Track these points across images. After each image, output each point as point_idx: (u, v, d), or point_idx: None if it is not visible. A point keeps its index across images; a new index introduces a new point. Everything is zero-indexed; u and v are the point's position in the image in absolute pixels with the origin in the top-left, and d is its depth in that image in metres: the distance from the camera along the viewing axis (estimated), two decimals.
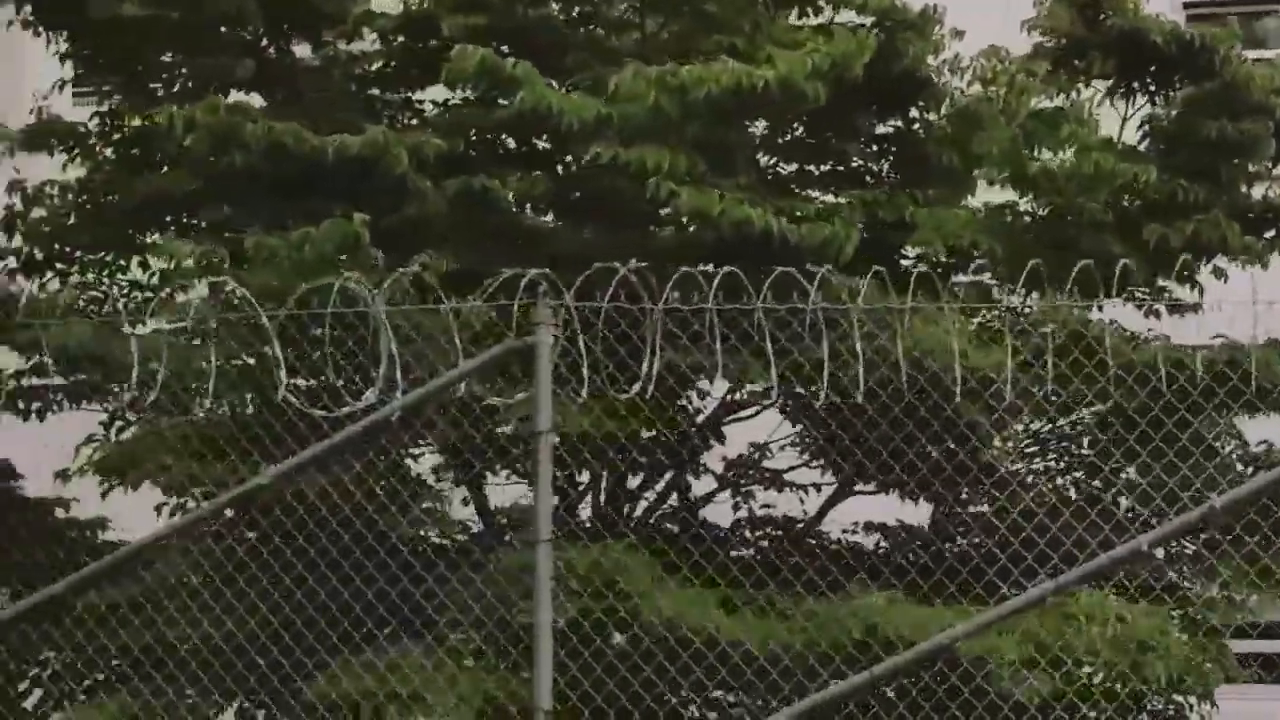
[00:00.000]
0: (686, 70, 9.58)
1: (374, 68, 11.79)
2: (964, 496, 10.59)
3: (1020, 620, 9.02)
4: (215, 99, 9.99)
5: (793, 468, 12.22)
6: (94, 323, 10.09)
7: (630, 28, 10.91)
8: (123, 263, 12.20)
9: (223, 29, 11.21)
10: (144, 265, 12.28)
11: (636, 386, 7.98)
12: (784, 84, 9.61)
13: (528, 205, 10.72)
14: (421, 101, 11.70)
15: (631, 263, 8.25)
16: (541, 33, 10.69)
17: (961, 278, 11.37)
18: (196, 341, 9.59)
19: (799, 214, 9.81)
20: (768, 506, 12.45)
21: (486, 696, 9.26)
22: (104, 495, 10.73)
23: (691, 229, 10.07)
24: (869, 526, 12.07)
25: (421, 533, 9.91)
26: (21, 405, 11.42)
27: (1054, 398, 9.65)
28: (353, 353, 8.87)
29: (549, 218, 10.88)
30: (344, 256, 8.98)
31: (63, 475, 11.17)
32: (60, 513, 11.80)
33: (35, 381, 11.29)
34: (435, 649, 9.39)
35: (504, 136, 10.97)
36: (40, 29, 11.46)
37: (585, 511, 11.18)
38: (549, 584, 8.02)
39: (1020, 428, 10.66)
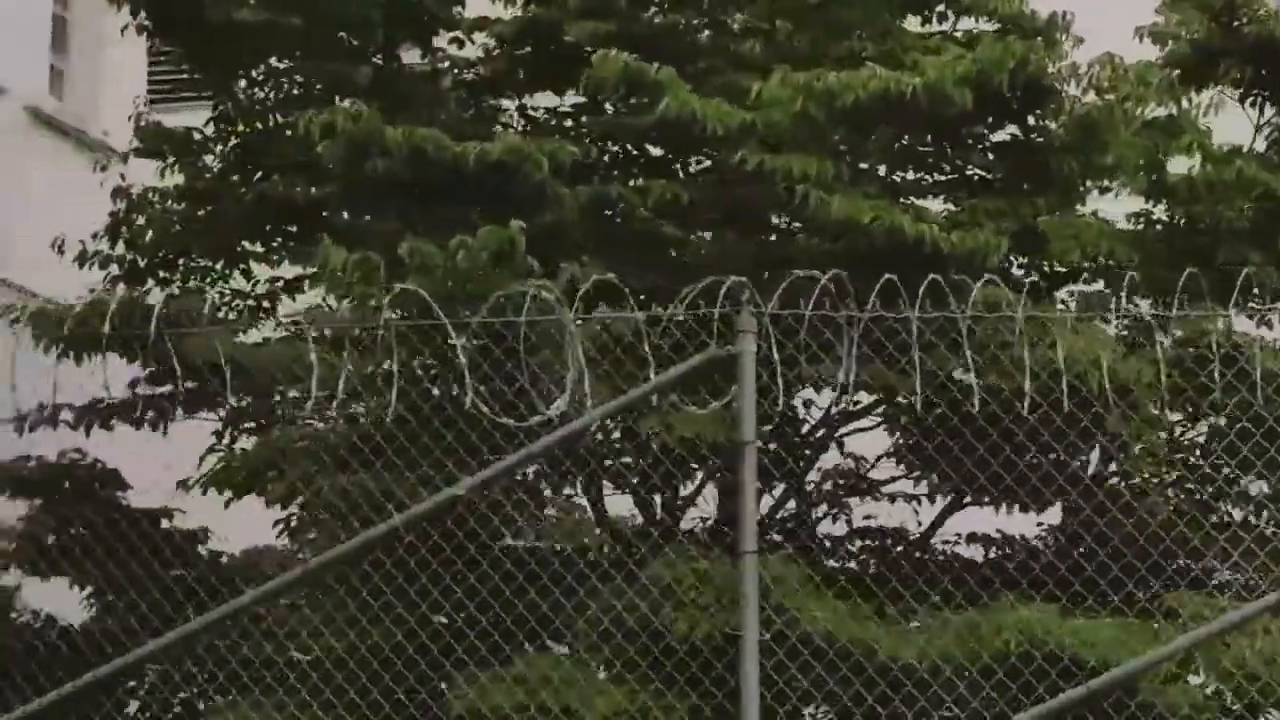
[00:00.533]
0: (834, 76, 9.50)
1: (485, 74, 11.69)
2: (1100, 506, 10.47)
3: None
4: (356, 105, 9.86)
5: (894, 479, 12.13)
6: (223, 330, 9.96)
7: (758, 34, 10.81)
8: (225, 270, 12.13)
9: (341, 35, 11.11)
10: (246, 274, 12.20)
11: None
12: (931, 90, 9.53)
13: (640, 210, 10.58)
14: (537, 109, 11.61)
15: (832, 271, 8.16)
16: (670, 39, 10.60)
17: (1073, 287, 11.34)
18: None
19: (950, 222, 9.70)
20: (869, 518, 12.37)
21: (639, 710, 9.16)
22: (227, 505, 10.62)
23: (821, 236, 9.98)
24: (973, 538, 12.00)
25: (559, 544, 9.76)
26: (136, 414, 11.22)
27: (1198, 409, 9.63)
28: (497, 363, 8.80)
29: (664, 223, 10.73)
30: (499, 264, 8.84)
31: (183, 485, 11.02)
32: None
33: (151, 391, 11.09)
34: (587, 662, 9.28)
35: (626, 144, 10.87)
36: (152, 34, 11.35)
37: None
38: (755, 596, 7.92)
39: (1162, 436, 10.56)
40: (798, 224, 10.28)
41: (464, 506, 8.97)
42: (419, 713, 9.48)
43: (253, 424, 10.76)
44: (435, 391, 8.68)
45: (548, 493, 10.44)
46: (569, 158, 9.91)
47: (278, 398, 9.60)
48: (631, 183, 10.47)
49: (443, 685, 9.39)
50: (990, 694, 8.82)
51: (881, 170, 10.90)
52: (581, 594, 9.31)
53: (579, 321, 8.10)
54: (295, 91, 11.73)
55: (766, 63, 10.51)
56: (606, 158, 10.76)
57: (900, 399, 10.03)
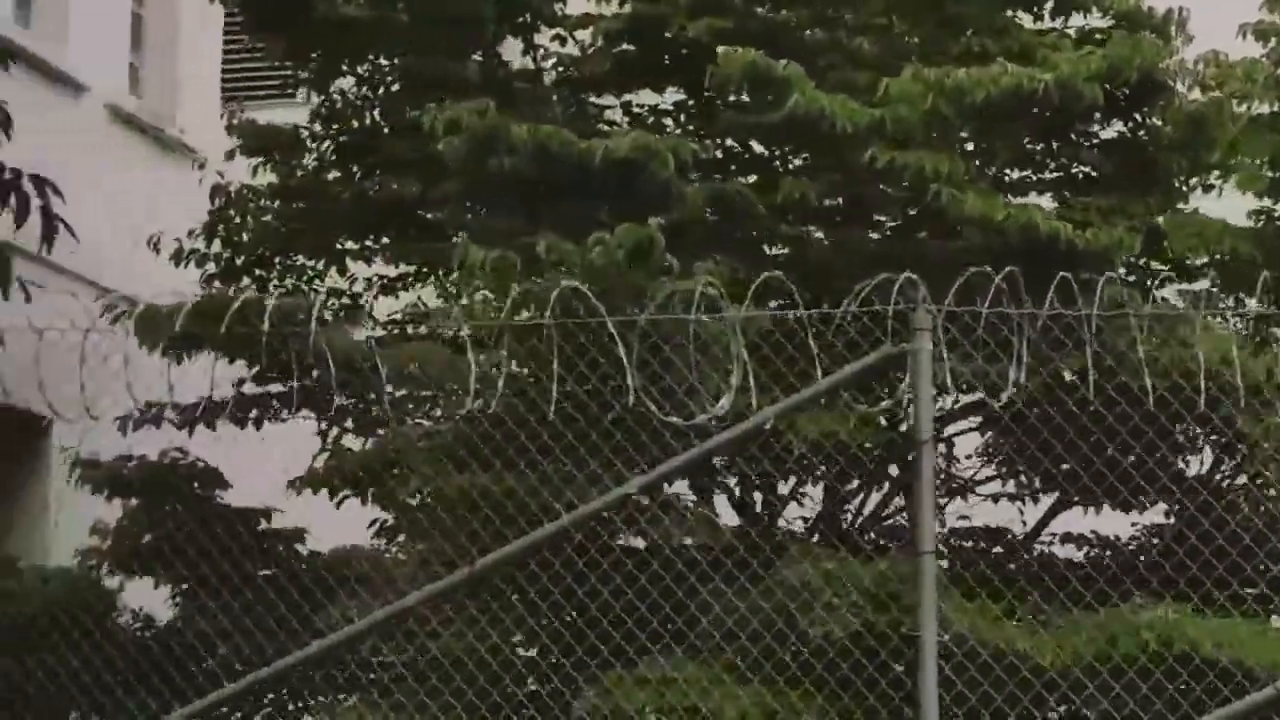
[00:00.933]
0: (964, 72, 9.42)
1: (587, 71, 11.61)
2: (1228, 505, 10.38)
3: None
4: (482, 101, 9.76)
5: (990, 478, 12.03)
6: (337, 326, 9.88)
7: (872, 30, 10.72)
8: (323, 268, 12.06)
9: (446, 31, 11.03)
10: (342, 271, 12.13)
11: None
12: (1063, 87, 9.45)
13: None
14: (642, 106, 11.53)
15: (1007, 270, 8.08)
16: (784, 36, 10.50)
17: (1180, 286, 11.26)
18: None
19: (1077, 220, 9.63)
20: (964, 519, 12.28)
21: (767, 712, 9.07)
22: (339, 504, 10.54)
23: (947, 234, 9.90)
24: (1068, 538, 11.91)
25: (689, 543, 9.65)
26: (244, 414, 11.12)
27: None
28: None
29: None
30: (635, 262, 8.75)
31: (293, 485, 10.93)
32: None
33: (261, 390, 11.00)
34: (712, 663, 9.18)
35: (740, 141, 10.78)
36: (252, 31, 11.29)
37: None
38: (934, 597, 7.84)
39: None
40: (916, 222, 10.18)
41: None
42: (541, 715, 9.42)
43: (371, 423, 10.62)
44: (580, 390, 8.51)
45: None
46: (690, 155, 9.83)
47: (407, 396, 9.45)
48: (749, 180, 10.37)
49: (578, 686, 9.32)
50: (1121, 695, 8.74)
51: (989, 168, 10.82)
52: (705, 594, 9.22)
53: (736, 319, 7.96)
54: (394, 88, 11.64)
55: (881, 59, 10.44)
56: (720, 154, 10.65)
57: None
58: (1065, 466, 10.14)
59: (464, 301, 9.18)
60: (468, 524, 8.62)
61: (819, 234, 10.44)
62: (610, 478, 8.43)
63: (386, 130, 11.41)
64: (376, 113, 11.71)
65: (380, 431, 10.48)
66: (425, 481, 9.19)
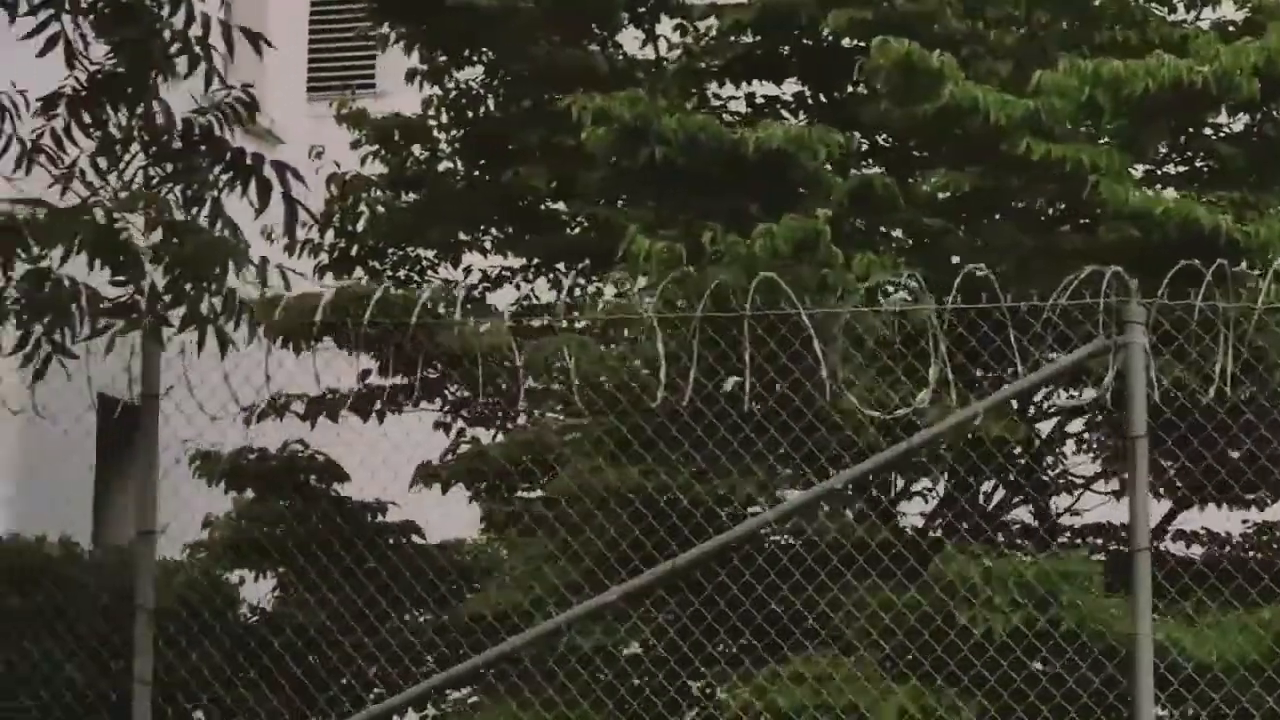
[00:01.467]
0: (1122, 64, 9.32)
1: (708, 63, 11.51)
2: None
3: None
4: (634, 91, 9.67)
5: (1098, 476, 11.92)
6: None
7: (1014, 23, 10.63)
8: (439, 259, 11.95)
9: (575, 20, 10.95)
10: (456, 262, 12.02)
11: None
12: (1220, 80, 9.35)
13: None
14: (766, 98, 11.43)
15: (1218, 263, 7.99)
16: (923, 27, 10.38)
17: None
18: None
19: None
20: (1076, 514, 12.16)
21: (925, 710, 8.97)
22: (471, 499, 10.43)
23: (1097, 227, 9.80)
24: (1180, 535, 11.81)
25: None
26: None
27: None
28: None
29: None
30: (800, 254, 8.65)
31: (423, 479, 10.81)
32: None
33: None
34: (869, 660, 9.08)
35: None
36: (382, 19, 11.18)
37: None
38: (1149, 594, 7.74)
39: None
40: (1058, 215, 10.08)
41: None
42: (687, 711, 9.32)
43: (501, 418, 10.53)
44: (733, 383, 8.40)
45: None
46: (836, 147, 9.73)
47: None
48: (891, 173, 10.27)
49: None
50: None
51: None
52: (860, 590, 9.12)
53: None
54: (517, 79, 11.54)
55: (1020, 51, 10.35)
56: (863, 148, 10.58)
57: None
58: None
59: (633, 291, 8.99)
60: (641, 519, 8.49)
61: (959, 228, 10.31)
62: (791, 472, 8.31)
63: (510, 120, 11.27)
64: (494, 102, 11.56)
65: (512, 426, 10.35)
66: (576, 476, 9.05)
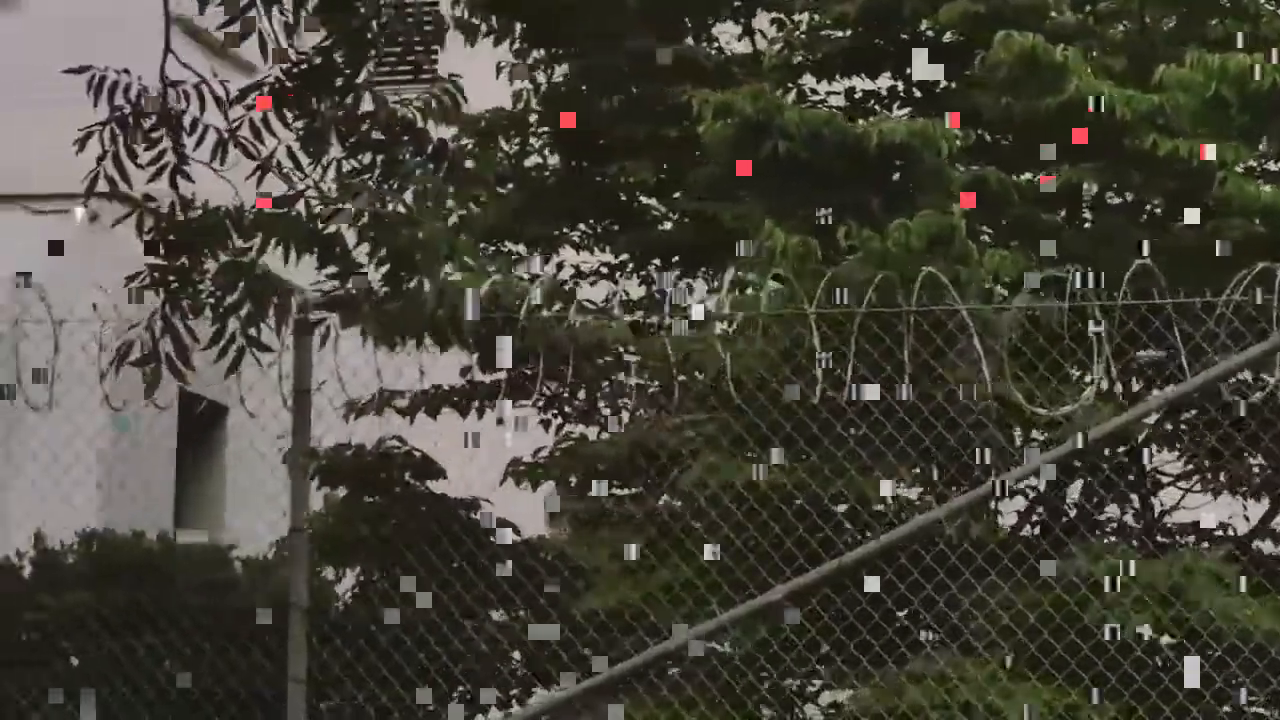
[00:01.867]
0: (1250, 59, 9.23)
1: (805, 57, 11.41)
2: None
3: None
4: (758, 86, 9.57)
5: (1184, 474, 11.82)
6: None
7: (1125, 17, 10.54)
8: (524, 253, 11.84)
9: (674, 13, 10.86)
10: (548, 257, 11.90)
11: None
12: None
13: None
14: (867, 93, 11.33)
15: None
16: (1036, 21, 10.29)
17: None
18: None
19: None
20: (1165, 512, 12.06)
21: (1051, 710, 8.87)
22: (584, 494, 10.31)
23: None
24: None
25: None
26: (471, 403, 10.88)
27: None
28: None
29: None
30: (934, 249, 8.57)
31: (519, 475, 10.69)
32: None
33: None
34: (989, 659, 8.98)
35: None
36: (483, 11, 11.07)
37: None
38: None
39: None
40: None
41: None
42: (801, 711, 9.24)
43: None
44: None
45: None
46: (955, 141, 9.64)
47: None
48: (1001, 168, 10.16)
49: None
50: None
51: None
52: (980, 589, 9.03)
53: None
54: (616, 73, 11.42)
55: (1134, 44, 10.26)
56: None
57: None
58: None
59: (769, 287, 8.85)
60: (781, 517, 8.39)
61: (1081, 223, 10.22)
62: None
63: (606, 115, 11.15)
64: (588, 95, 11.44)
65: (620, 424, 10.24)
66: (708, 471, 8.93)
